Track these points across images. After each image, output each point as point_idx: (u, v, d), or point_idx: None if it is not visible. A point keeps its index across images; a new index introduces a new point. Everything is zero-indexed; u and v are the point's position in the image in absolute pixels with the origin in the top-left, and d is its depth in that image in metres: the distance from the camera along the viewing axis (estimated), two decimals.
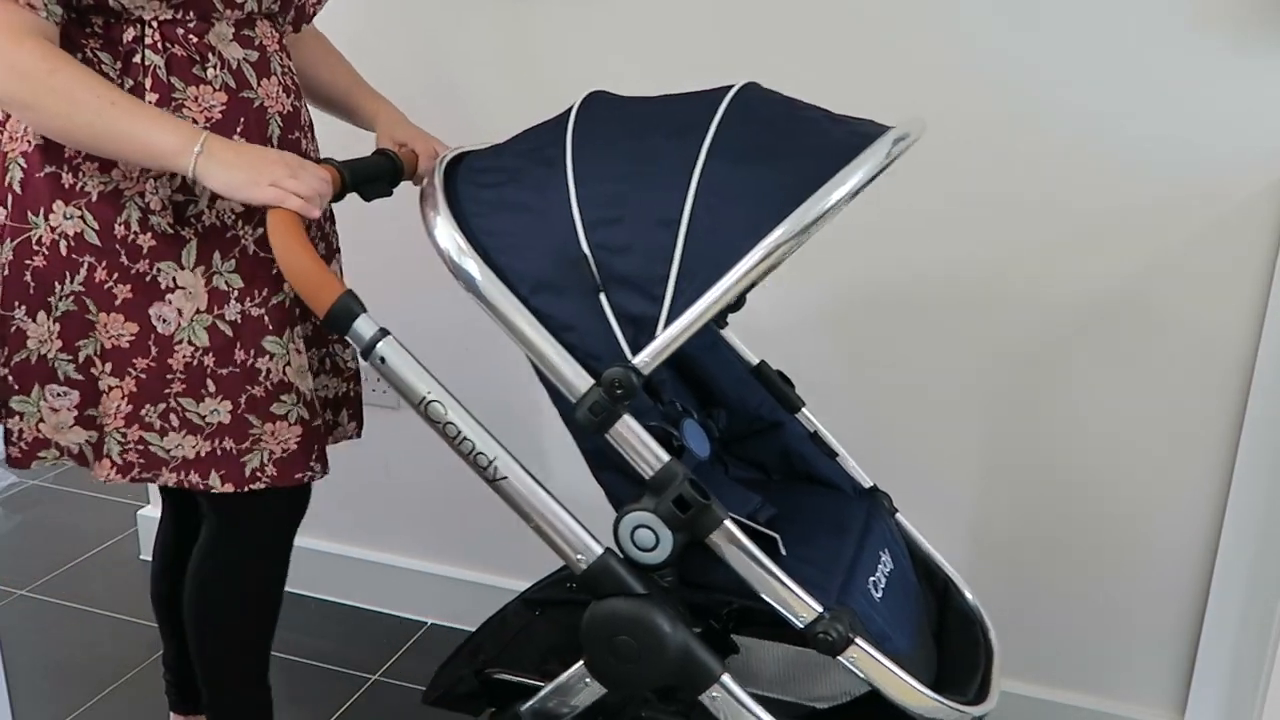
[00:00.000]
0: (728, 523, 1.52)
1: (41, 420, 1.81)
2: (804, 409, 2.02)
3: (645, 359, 1.52)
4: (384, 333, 1.58)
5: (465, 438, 1.58)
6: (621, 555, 1.58)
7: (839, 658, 1.54)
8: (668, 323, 1.51)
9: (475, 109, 2.18)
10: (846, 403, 2.03)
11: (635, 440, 1.55)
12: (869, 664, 1.55)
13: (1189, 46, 2.07)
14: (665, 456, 1.53)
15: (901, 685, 1.56)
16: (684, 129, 1.57)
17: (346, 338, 1.60)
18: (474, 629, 2.90)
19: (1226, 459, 2.23)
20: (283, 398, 1.87)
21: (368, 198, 1.92)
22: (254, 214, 1.79)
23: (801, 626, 1.53)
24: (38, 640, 2.93)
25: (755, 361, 2.03)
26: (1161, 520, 2.31)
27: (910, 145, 1.51)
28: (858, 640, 1.53)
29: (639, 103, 1.67)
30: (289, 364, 1.86)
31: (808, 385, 2.03)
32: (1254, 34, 2.03)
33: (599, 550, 1.58)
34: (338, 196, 1.84)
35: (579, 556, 1.59)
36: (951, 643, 1.83)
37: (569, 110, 1.66)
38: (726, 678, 1.57)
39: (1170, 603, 2.36)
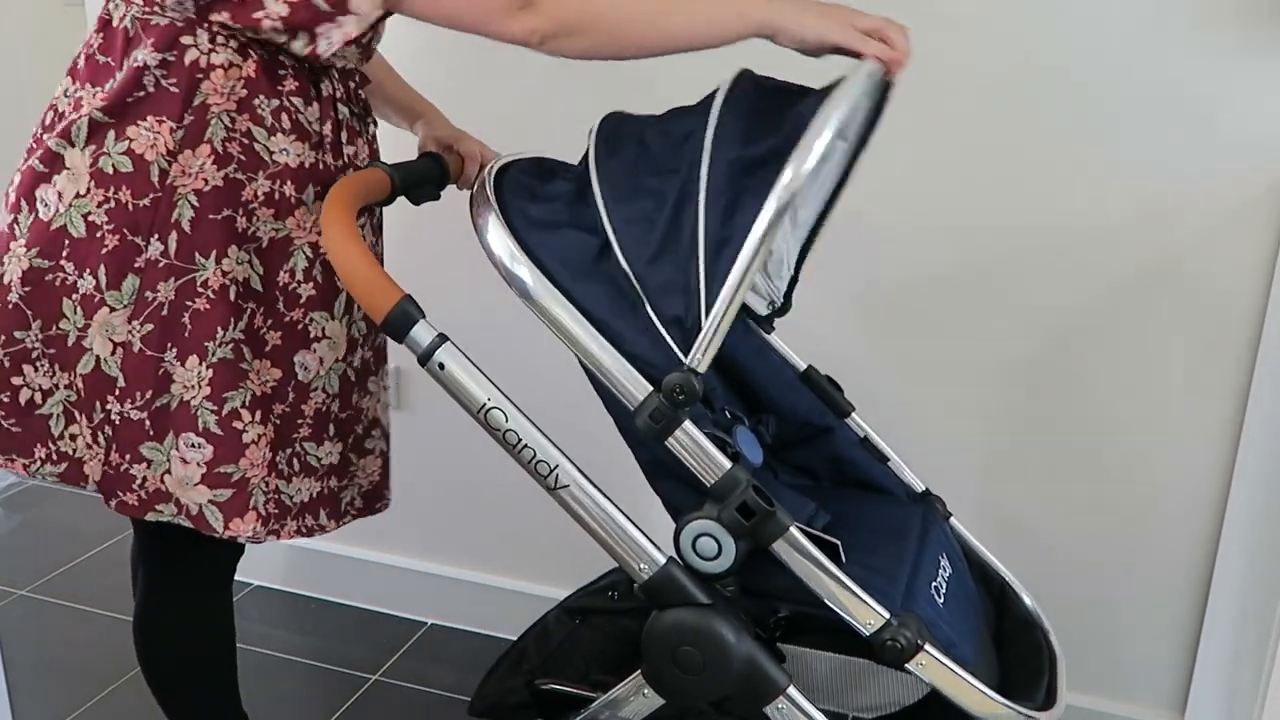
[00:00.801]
0: (793, 529, 1.53)
1: (168, 472, 1.72)
2: (854, 414, 2.01)
3: (697, 357, 1.52)
4: (443, 338, 1.56)
5: (526, 445, 1.57)
6: (682, 564, 1.58)
7: (907, 666, 1.54)
8: (706, 313, 1.52)
9: (496, 110, 2.12)
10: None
11: (695, 447, 1.54)
12: (938, 671, 1.55)
13: (1191, 47, 2.10)
14: (727, 463, 1.54)
15: (972, 692, 1.56)
16: (687, 135, 1.59)
17: (404, 343, 1.58)
18: (474, 629, 2.90)
19: (1226, 459, 2.27)
20: (373, 433, 1.90)
21: (416, 202, 1.92)
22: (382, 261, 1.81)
23: (868, 634, 1.54)
24: (38, 640, 2.94)
25: (803, 366, 2.03)
26: (1161, 520, 2.36)
27: (878, 76, 1.57)
28: (926, 647, 1.53)
29: (646, 118, 1.71)
30: (379, 400, 1.90)
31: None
32: (1255, 34, 2.06)
33: (662, 560, 1.58)
34: (388, 200, 1.83)
35: (642, 566, 1.58)
36: (1012, 648, 1.84)
37: (590, 133, 1.69)
38: (792, 689, 1.58)
39: (1170, 603, 2.40)
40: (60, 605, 3.07)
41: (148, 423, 1.70)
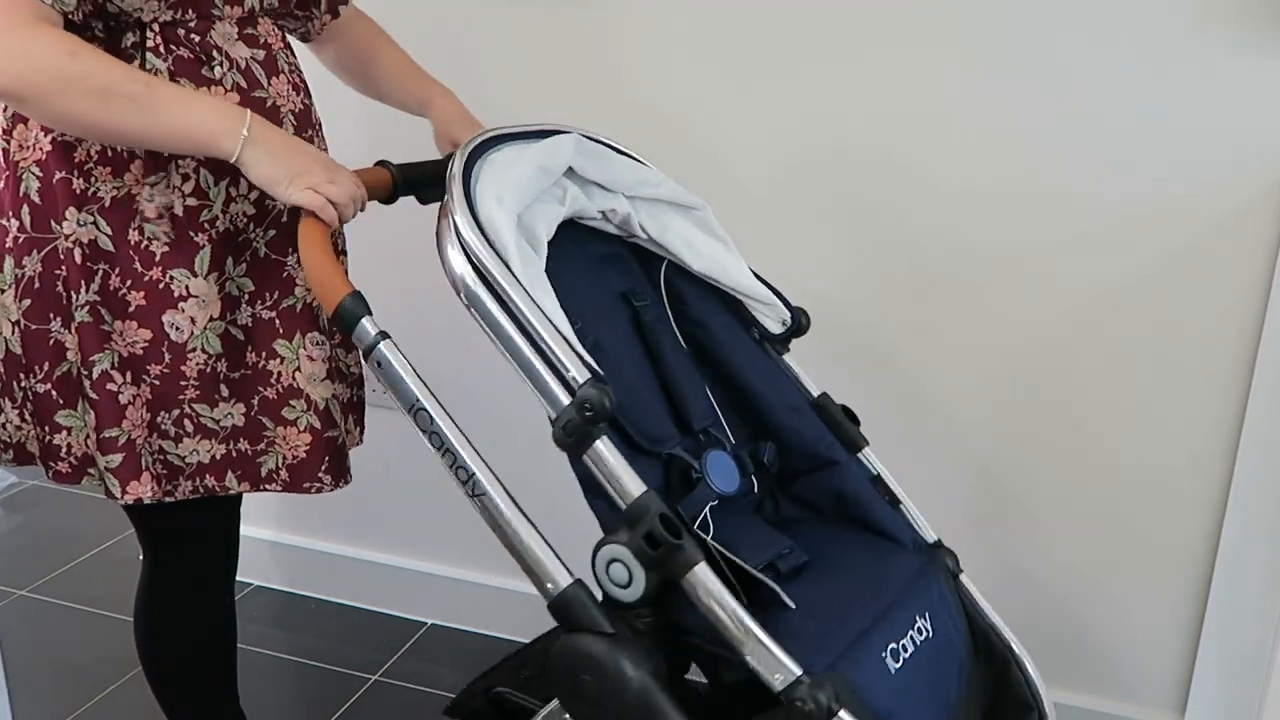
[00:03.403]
0: (700, 566, 1.43)
1: (89, 435, 1.79)
2: (867, 449, 1.88)
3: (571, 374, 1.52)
4: (383, 336, 1.59)
5: (448, 449, 1.55)
6: (600, 588, 1.50)
7: None
8: None
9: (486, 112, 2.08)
10: (847, 399, 1.95)
11: (608, 468, 1.47)
12: None
13: (1190, 47, 2.09)
14: (639, 488, 1.46)
15: None
16: None
17: (352, 339, 1.61)
18: (474, 629, 2.92)
19: (1227, 458, 2.26)
20: (292, 403, 1.86)
21: (424, 201, 1.90)
22: (265, 216, 1.80)
23: (778, 689, 1.42)
24: (38, 640, 2.96)
25: (817, 393, 1.92)
26: (1161, 519, 2.35)
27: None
28: (842, 713, 1.40)
29: None
30: (299, 369, 1.85)
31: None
32: (1254, 34, 2.04)
33: (565, 582, 1.50)
34: (389, 199, 1.84)
35: (548, 585, 1.51)
36: None
37: None
38: None
39: (1170, 603, 2.39)
40: (60, 605, 3.09)
41: (54, 393, 1.76)
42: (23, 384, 1.78)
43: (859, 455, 1.87)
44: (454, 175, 1.63)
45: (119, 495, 1.78)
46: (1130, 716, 2.45)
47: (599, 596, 1.51)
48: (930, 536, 1.83)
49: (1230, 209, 2.12)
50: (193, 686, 2.07)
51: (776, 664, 1.40)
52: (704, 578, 1.42)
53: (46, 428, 1.79)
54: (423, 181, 1.88)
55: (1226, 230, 2.13)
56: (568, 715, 1.56)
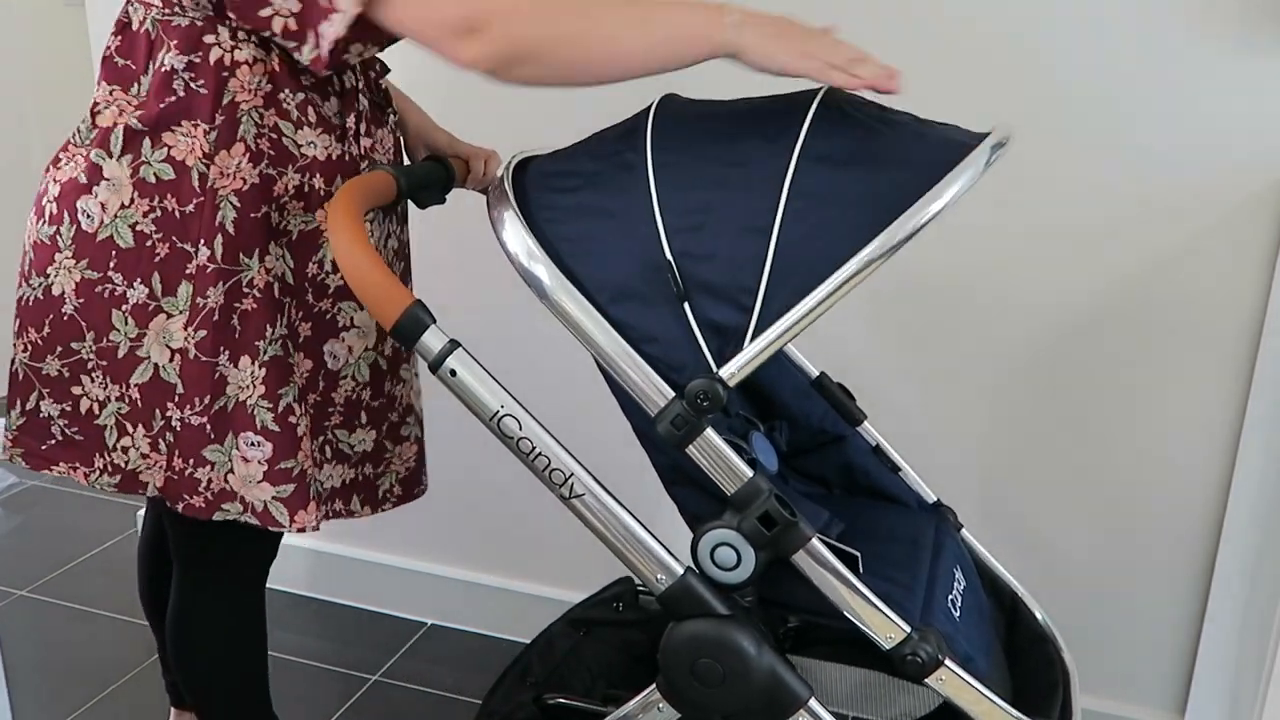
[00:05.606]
0: (815, 540, 1.46)
1: (231, 471, 1.69)
2: (865, 422, 1.95)
3: (732, 370, 1.43)
4: (454, 345, 1.47)
5: (540, 454, 1.49)
6: (699, 574, 1.51)
7: (926, 681, 1.47)
8: (756, 334, 1.42)
9: (485, 112, 2.05)
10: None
11: (717, 455, 1.47)
12: (957, 686, 1.48)
13: (1190, 47, 2.07)
14: (748, 472, 1.46)
15: (992, 709, 1.49)
16: (772, 133, 1.48)
17: (414, 350, 1.49)
18: (474, 629, 2.84)
19: (1227, 459, 2.23)
20: (408, 420, 1.86)
21: (421, 205, 1.87)
22: (406, 247, 1.82)
23: (888, 648, 1.47)
24: (38, 640, 2.88)
25: (815, 374, 1.96)
26: (1161, 520, 2.31)
27: (1004, 153, 1.45)
28: (947, 662, 1.47)
29: (717, 105, 1.60)
30: (411, 387, 1.87)
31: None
32: (1254, 35, 2.02)
33: (679, 570, 1.50)
34: (394, 204, 1.78)
35: (659, 576, 1.51)
36: (1024, 662, 1.78)
37: (644, 113, 1.58)
38: (814, 702, 1.51)
39: (1170, 603, 2.35)
40: (60, 605, 3.01)
41: (208, 426, 1.67)
42: (167, 413, 1.67)
43: (859, 428, 1.93)
44: (509, 176, 1.55)
45: (286, 525, 1.69)
46: (1130, 716, 2.42)
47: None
48: (931, 497, 1.92)
49: (1230, 209, 2.10)
50: (236, 690, 2.01)
51: (888, 624, 1.45)
52: (818, 551, 1.45)
53: (190, 460, 1.68)
54: (425, 184, 1.84)
55: (1226, 230, 2.11)
56: (661, 705, 1.56)
